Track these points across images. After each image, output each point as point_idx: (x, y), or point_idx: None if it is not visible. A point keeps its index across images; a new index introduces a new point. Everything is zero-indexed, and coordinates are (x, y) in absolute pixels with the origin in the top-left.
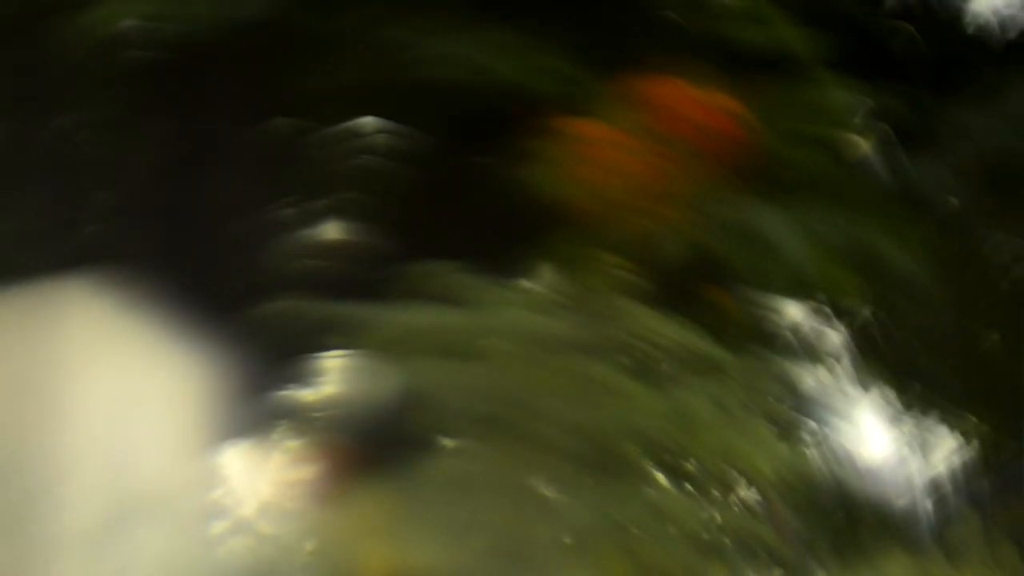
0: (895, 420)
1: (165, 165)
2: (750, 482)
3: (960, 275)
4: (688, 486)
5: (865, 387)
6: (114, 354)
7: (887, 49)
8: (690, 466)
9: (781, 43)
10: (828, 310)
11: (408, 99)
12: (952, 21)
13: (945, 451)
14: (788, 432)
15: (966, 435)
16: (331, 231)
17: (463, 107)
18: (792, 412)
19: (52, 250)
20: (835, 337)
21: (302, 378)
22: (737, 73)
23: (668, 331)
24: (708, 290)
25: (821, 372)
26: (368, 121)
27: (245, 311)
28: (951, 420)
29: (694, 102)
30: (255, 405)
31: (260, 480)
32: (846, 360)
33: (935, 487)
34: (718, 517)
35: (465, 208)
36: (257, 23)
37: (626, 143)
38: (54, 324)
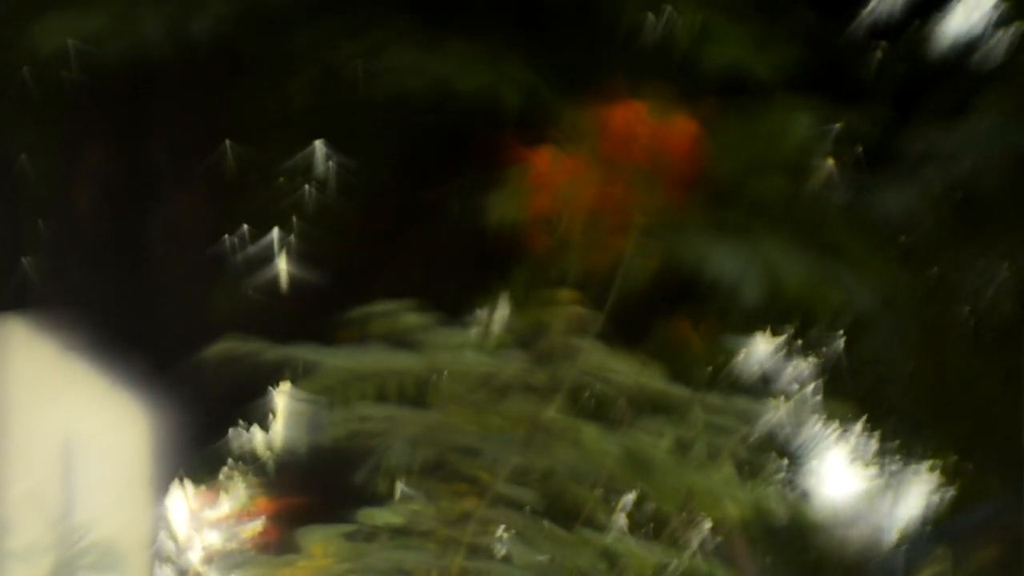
0: (864, 458)
1: (107, 196)
2: (711, 525)
3: (929, 304)
4: (644, 530)
5: (833, 424)
6: (56, 397)
7: (853, 70)
8: (647, 510)
9: (743, 63)
10: (793, 344)
11: (362, 121)
12: (920, 42)
13: (916, 489)
14: (753, 473)
15: (937, 472)
16: (280, 268)
17: (418, 128)
18: (757, 452)
19: None
20: (801, 372)
21: (249, 423)
22: (698, 96)
23: (624, 369)
24: (667, 325)
25: (787, 409)
26: (319, 149)
27: (190, 353)
28: (922, 457)
29: (652, 128)
30: (201, 450)
31: (206, 526)
32: (813, 396)
33: (905, 526)
34: (676, 561)
35: (416, 244)
36: (204, 44)
37: (582, 173)
38: None
